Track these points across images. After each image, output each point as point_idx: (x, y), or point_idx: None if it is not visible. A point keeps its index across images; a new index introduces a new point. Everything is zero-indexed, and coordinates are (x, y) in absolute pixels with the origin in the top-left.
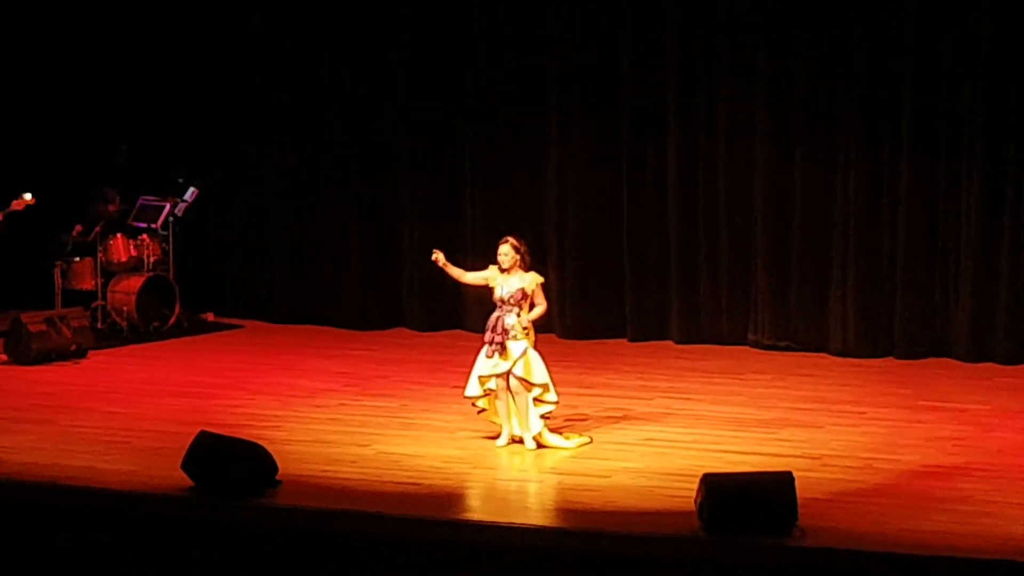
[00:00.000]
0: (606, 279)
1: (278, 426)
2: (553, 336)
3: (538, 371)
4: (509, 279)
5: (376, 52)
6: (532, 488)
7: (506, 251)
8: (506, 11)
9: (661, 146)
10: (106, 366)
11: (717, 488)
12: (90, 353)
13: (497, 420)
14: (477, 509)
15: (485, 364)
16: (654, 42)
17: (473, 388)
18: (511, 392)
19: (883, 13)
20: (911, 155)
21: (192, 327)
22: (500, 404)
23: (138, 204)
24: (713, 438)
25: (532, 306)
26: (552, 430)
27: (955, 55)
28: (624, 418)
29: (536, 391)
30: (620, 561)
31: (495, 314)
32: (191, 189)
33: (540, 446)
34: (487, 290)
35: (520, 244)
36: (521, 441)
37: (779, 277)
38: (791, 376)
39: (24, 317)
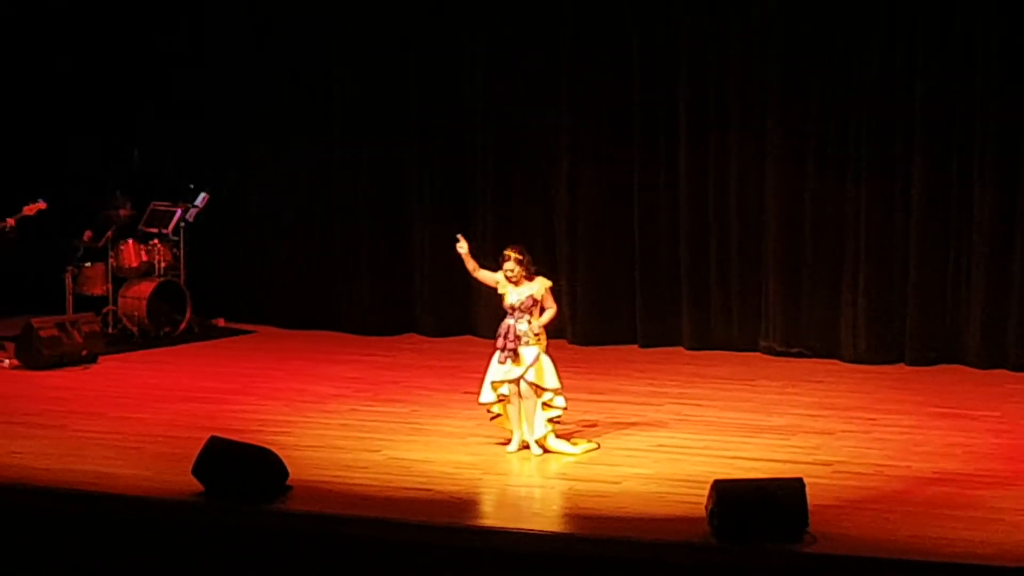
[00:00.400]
0: (617, 285)
1: (289, 431)
2: (564, 342)
3: (550, 376)
4: (518, 287)
5: (386, 57)
6: (542, 494)
7: (511, 267)
8: (517, 17)
9: (672, 152)
10: (117, 371)
11: (728, 494)
12: (101, 358)
13: (509, 426)
14: (488, 515)
15: (498, 370)
16: (665, 49)
17: (487, 394)
18: (521, 396)
19: (894, 19)
20: (923, 162)
21: (203, 332)
22: (512, 409)
23: (149, 209)
24: (724, 444)
25: (542, 310)
26: (561, 436)
27: (967, 61)
28: (635, 424)
29: (547, 396)
30: (630, 567)
31: (506, 321)
32: (202, 194)
33: (546, 451)
34: (497, 296)
35: (523, 256)
36: (530, 447)
37: (790, 283)
38: (802, 383)
39: (35, 322)
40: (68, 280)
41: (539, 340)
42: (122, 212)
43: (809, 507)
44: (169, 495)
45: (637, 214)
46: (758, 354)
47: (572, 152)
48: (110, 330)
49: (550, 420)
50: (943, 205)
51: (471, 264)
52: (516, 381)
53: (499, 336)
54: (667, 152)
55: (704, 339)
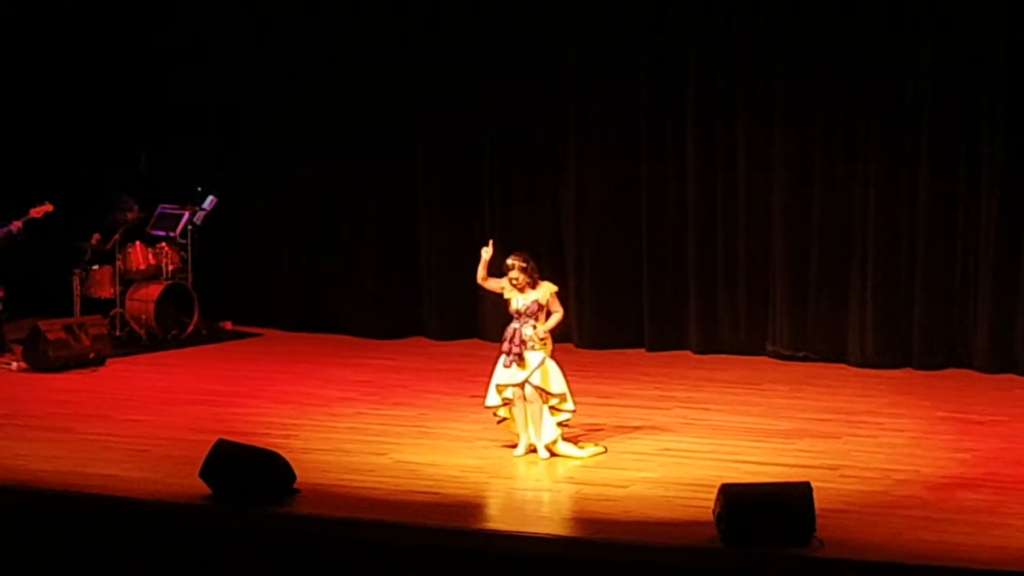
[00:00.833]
0: (624, 289)
1: (296, 434)
2: (571, 346)
3: (556, 381)
4: (524, 293)
5: (391, 59)
6: (549, 498)
7: (516, 276)
8: (523, 17)
9: (679, 156)
10: (124, 374)
11: (735, 498)
12: (108, 361)
13: (516, 429)
14: (494, 518)
15: (503, 374)
16: (672, 52)
17: (492, 398)
18: (526, 400)
19: (900, 21)
20: (930, 166)
21: (210, 335)
22: (518, 413)
23: (157, 212)
24: (731, 448)
25: (548, 315)
26: (567, 439)
27: (975, 63)
28: (642, 428)
29: (553, 401)
30: (637, 571)
31: (512, 325)
32: (210, 197)
33: (553, 455)
34: (504, 299)
35: (527, 263)
36: (537, 451)
37: (797, 287)
38: (809, 387)
39: (43, 325)
40: (75, 283)
41: (544, 345)
42: (130, 215)
43: (816, 511)
44: (176, 498)
45: (644, 217)
46: (765, 358)
47: (579, 155)
48: (117, 333)
49: (559, 424)
50: (951, 209)
51: (483, 272)
52: (520, 385)
53: (505, 340)
54: (674, 156)
55: (711, 343)
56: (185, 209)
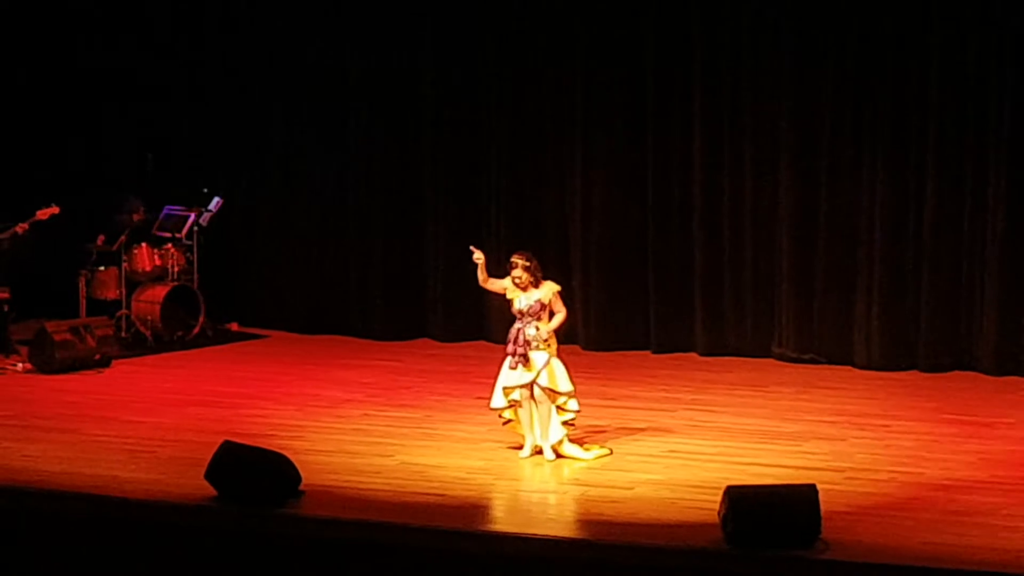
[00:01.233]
0: (630, 291)
1: (302, 436)
2: (577, 347)
3: (562, 380)
4: (527, 292)
5: (401, 62)
6: (555, 499)
7: (519, 274)
8: (533, 27)
9: (686, 158)
10: (130, 375)
11: (741, 500)
12: (114, 362)
13: (522, 431)
14: (500, 520)
15: (509, 376)
16: (679, 56)
17: (498, 400)
18: (535, 401)
19: (909, 30)
20: (936, 168)
21: (216, 337)
22: (523, 414)
23: (163, 213)
24: (737, 450)
25: (551, 315)
26: (573, 441)
27: (981, 71)
28: (647, 430)
29: (561, 399)
30: (643, 573)
31: (516, 326)
32: (216, 199)
33: (559, 456)
34: (507, 301)
35: (530, 262)
36: (543, 452)
37: (803, 289)
38: (815, 389)
39: (49, 326)
40: (81, 284)
41: (548, 345)
42: (135, 216)
43: (822, 513)
44: (182, 499)
45: (650, 220)
46: (771, 360)
47: (586, 158)
48: (123, 334)
49: (564, 423)
50: (957, 211)
51: (483, 275)
52: (529, 386)
53: (509, 341)
54: (680, 158)
55: (717, 345)
56: (191, 210)
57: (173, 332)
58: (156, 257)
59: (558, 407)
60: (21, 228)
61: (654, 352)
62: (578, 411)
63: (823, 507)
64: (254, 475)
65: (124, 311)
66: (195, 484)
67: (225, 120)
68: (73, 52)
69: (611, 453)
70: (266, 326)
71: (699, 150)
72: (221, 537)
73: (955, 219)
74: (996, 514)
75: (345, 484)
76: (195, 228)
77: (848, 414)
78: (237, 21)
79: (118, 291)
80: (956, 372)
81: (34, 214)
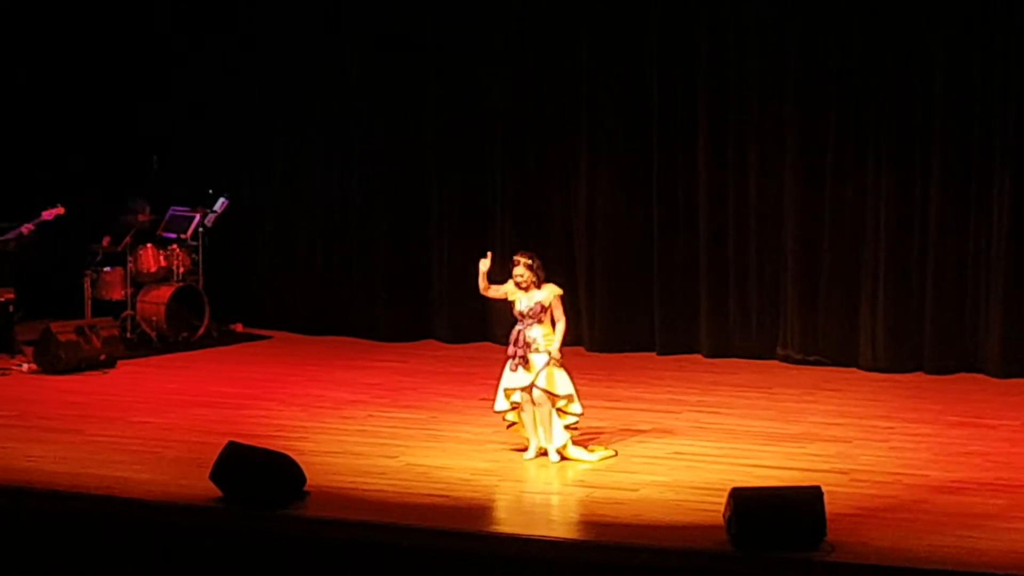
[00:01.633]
0: (635, 293)
1: (306, 437)
2: (581, 349)
3: (562, 383)
4: (528, 293)
5: (404, 63)
6: (559, 501)
7: (521, 272)
8: (537, 29)
9: (691, 160)
10: (135, 376)
11: (746, 502)
12: (119, 363)
13: (526, 433)
14: (504, 522)
15: (510, 378)
16: (683, 59)
17: (501, 403)
18: (535, 404)
19: (913, 31)
20: (941, 170)
21: (221, 338)
22: (526, 416)
23: (168, 214)
24: (742, 452)
25: (552, 318)
26: (577, 443)
27: (986, 71)
28: (652, 431)
29: (560, 403)
30: (647, 575)
31: (516, 328)
32: (221, 200)
33: (564, 458)
34: (508, 303)
35: (533, 261)
36: (547, 454)
37: (808, 291)
38: (820, 391)
39: (54, 326)
40: (87, 284)
41: (560, 364)
42: (141, 217)
43: (827, 515)
44: (187, 500)
45: (656, 222)
46: (776, 362)
47: (590, 159)
48: (128, 335)
49: (567, 427)
50: (962, 213)
51: (483, 283)
52: (528, 388)
53: (510, 343)
54: (685, 160)
55: (722, 347)
56: (196, 211)
57: (178, 333)
58: (161, 258)
59: (558, 410)
60: (27, 229)
61: (659, 354)
62: (581, 414)
63: (828, 509)
64: (259, 476)
65: (129, 312)
66: (200, 485)
67: (226, 121)
68: (73, 52)
69: (616, 455)
70: (271, 327)
71: (703, 151)
72: (226, 538)
73: (960, 220)
74: (1001, 516)
75: (350, 485)
76: (200, 229)
77: (853, 416)
78: (237, 21)
79: (123, 292)
80: (961, 374)
81: (39, 215)
